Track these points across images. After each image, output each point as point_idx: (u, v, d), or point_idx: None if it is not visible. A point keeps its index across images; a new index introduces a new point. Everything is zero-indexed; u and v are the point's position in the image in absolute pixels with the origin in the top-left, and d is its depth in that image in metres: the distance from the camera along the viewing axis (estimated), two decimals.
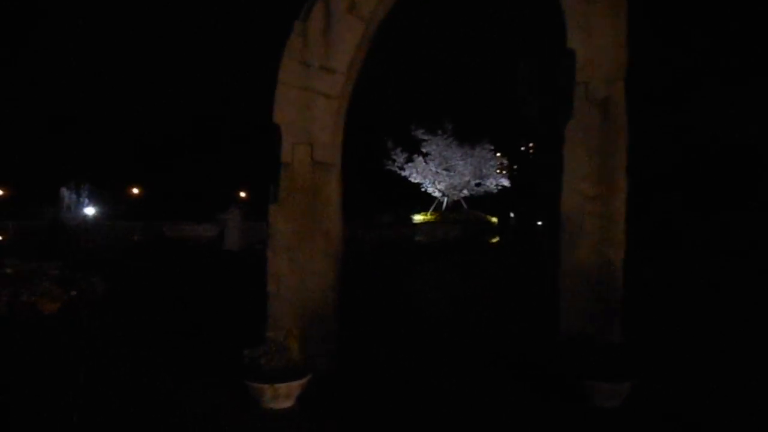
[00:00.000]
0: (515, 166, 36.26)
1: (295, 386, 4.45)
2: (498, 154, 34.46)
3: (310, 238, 4.95)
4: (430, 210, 34.04)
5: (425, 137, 32.71)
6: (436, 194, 34.25)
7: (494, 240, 27.43)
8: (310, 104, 4.98)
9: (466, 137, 32.98)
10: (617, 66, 5.05)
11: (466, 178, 33.50)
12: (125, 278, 10.52)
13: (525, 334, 6.32)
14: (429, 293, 9.49)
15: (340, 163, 5.34)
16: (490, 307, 8.27)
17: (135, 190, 47.87)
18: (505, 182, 34.38)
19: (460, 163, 33.02)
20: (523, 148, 43.62)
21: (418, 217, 33.10)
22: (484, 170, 33.54)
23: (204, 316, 7.52)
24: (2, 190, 39.40)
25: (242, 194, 42.41)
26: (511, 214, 35.84)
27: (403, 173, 33.44)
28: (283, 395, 4.39)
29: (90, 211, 40.47)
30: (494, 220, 33.44)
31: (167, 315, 7.71)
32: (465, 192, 34.26)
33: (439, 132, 32.64)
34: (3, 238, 18.99)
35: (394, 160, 33.27)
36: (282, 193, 4.96)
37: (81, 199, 41.18)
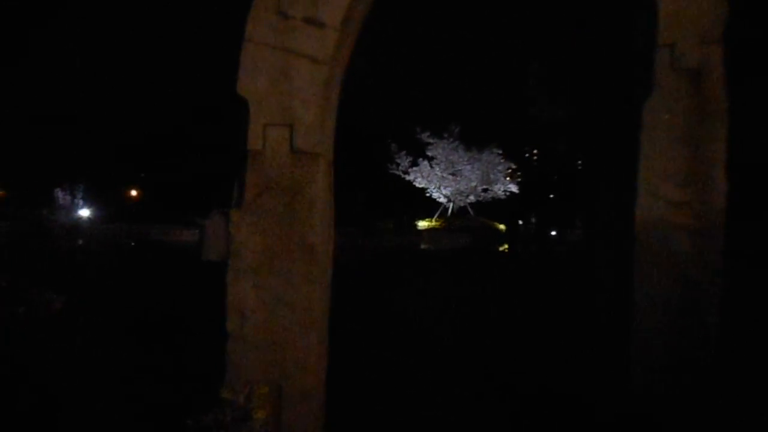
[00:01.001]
0: (519, 173, 34.83)
1: None
2: (503, 160, 32.94)
3: (286, 257, 3.55)
4: (435, 216, 32.62)
5: (431, 140, 31.38)
6: (442, 200, 32.84)
7: (503, 248, 26.07)
8: (289, 70, 3.59)
9: (473, 141, 31.60)
10: (714, 22, 3.64)
11: (473, 184, 32.11)
12: (93, 290, 9.12)
13: (575, 372, 4.90)
14: (445, 317, 8.05)
15: (332, 155, 3.95)
16: (523, 334, 6.85)
17: (133, 192, 46.66)
18: (514, 188, 32.93)
19: (467, 167, 31.66)
20: (527, 155, 42.26)
21: (422, 224, 31.69)
22: (491, 175, 32.14)
23: (162, 349, 6.08)
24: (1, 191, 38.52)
25: None
26: (520, 222, 34.44)
27: (408, 177, 32.06)
28: None
29: (85, 212, 39.29)
30: (502, 227, 31.99)
31: (121, 344, 6.29)
32: (471, 198, 32.85)
33: (445, 135, 31.30)
34: None
35: (398, 164, 31.93)
36: (249, 194, 3.56)
37: (75, 201, 40.08)
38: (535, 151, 41.54)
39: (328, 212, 3.82)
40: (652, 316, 3.67)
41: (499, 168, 32.40)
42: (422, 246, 22.71)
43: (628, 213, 3.79)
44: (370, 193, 33.04)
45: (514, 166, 33.72)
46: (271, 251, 3.54)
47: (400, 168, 31.90)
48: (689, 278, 3.64)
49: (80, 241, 17.57)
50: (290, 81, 3.58)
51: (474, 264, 15.48)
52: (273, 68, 3.58)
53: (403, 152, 31.63)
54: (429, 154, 31.65)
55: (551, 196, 34.74)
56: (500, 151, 31.92)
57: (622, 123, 4.05)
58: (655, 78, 3.66)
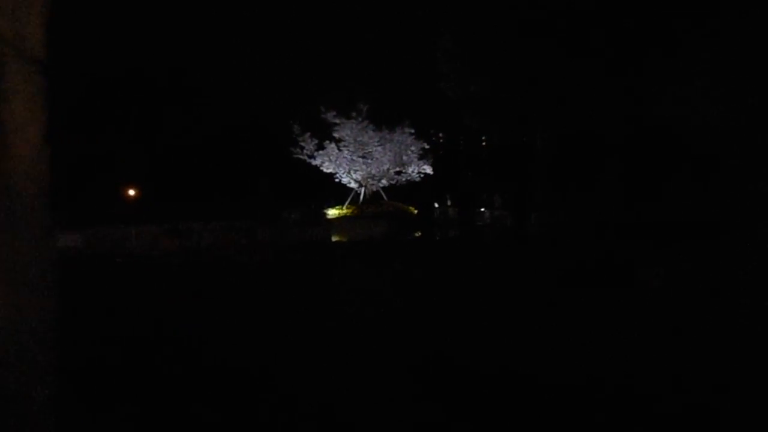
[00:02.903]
0: (431, 153, 33.00)
1: None
2: (415, 140, 30.86)
3: None
4: (346, 203, 30.19)
5: (337, 121, 28.76)
6: (352, 185, 30.41)
7: (417, 234, 24.32)
8: None
9: (384, 120, 29.30)
10: None
11: (385, 166, 29.87)
12: None
13: None
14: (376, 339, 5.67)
15: (38, 44, 1.38)
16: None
17: None
18: (428, 169, 31.00)
19: (378, 149, 29.32)
20: (432, 137, 40.50)
21: (332, 212, 29.19)
22: (404, 157, 29.99)
23: None
24: None
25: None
26: (436, 204, 32.80)
27: (314, 162, 29.32)
28: None
29: None
30: (415, 211, 30.13)
31: None
32: (384, 182, 30.63)
33: (353, 115, 28.79)
34: None
35: (302, 148, 29.07)
36: None
37: None
38: (440, 134, 39.92)
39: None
40: None
41: (412, 148, 30.32)
42: (334, 238, 20.28)
43: None
44: (274, 181, 30.11)
45: (427, 146, 31.75)
46: None
47: (305, 152, 29.07)
48: None
49: None
50: None
51: (402, 257, 13.26)
52: None
53: (308, 134, 28.81)
54: (336, 135, 29.03)
55: (469, 173, 33.26)
56: (412, 131, 29.82)
57: None
58: None
